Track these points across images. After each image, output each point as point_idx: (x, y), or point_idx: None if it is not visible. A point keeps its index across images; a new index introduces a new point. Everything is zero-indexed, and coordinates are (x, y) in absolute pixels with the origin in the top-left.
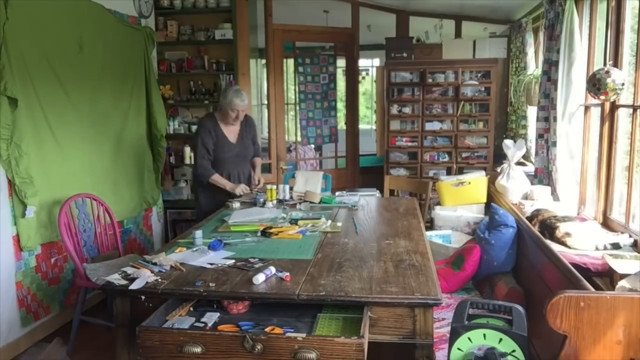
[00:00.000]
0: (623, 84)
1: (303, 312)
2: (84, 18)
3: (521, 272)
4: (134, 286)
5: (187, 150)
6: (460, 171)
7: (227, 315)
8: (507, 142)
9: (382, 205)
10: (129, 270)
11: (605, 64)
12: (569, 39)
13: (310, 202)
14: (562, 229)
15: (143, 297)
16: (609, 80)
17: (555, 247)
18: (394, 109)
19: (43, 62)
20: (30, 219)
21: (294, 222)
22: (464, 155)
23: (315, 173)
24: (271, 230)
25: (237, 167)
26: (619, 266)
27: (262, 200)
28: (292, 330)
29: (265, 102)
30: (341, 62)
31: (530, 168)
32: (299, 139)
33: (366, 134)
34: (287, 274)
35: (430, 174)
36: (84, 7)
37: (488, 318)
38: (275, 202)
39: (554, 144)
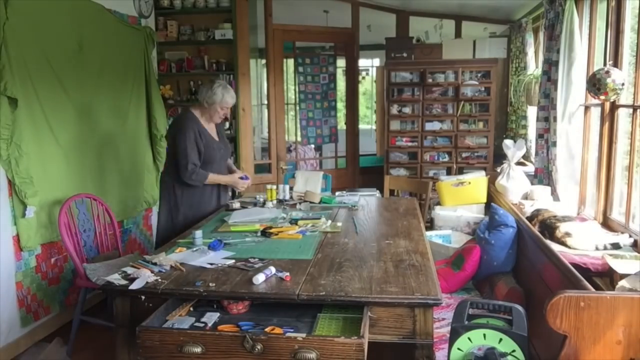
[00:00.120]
0: (623, 84)
1: (303, 312)
2: (84, 18)
3: (521, 272)
4: (134, 286)
5: None
6: (460, 171)
7: (227, 315)
8: (507, 142)
9: (382, 205)
10: (129, 270)
11: (605, 64)
12: (569, 39)
13: (310, 202)
14: (562, 229)
15: (143, 297)
16: (609, 80)
17: (555, 247)
18: (394, 109)
19: (43, 62)
20: (30, 219)
21: (294, 222)
22: (464, 155)
23: (315, 173)
24: (271, 230)
25: (221, 167)
26: (619, 266)
27: (262, 200)
28: (292, 330)
29: (265, 102)
30: (341, 62)
31: (530, 168)
32: (299, 139)
33: (366, 134)
34: (287, 274)
35: (430, 174)
36: (84, 7)
37: (488, 318)
38: (275, 202)
39: (554, 144)
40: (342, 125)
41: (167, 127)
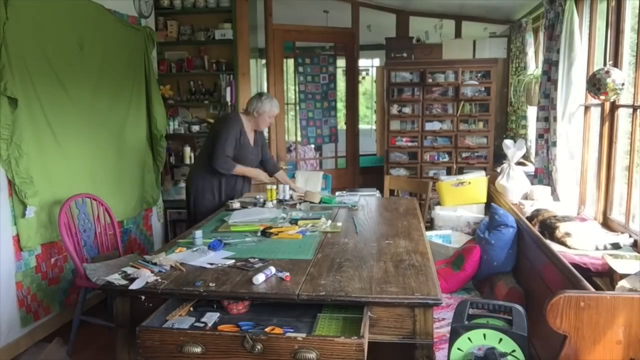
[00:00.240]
0: (623, 84)
1: (303, 312)
2: (84, 18)
3: (521, 272)
4: (134, 286)
5: (187, 150)
6: (460, 171)
7: (227, 315)
8: (507, 142)
9: (382, 205)
10: (129, 270)
11: (605, 64)
12: (569, 39)
13: (310, 202)
14: (562, 229)
15: (143, 297)
16: (609, 80)
17: (555, 247)
18: (394, 109)
19: (43, 62)
20: (30, 219)
21: (294, 222)
22: (464, 155)
23: (315, 173)
24: (271, 230)
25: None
26: (619, 266)
27: (262, 200)
28: (292, 330)
29: None
30: (341, 62)
31: (530, 168)
32: (299, 139)
33: (366, 134)
34: (287, 274)
35: (430, 174)
36: (84, 7)
37: (488, 318)
38: (275, 202)
39: (554, 144)
40: (342, 125)
41: (215, 121)
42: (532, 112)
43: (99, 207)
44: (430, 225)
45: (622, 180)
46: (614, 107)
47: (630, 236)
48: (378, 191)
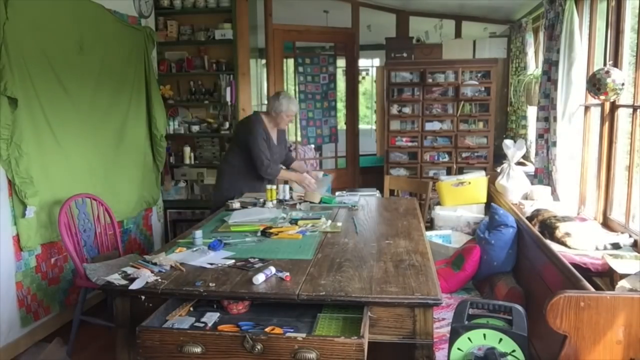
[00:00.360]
0: (623, 84)
1: (303, 312)
2: (84, 18)
3: (521, 272)
4: (134, 286)
5: (187, 150)
6: (460, 171)
7: (227, 315)
8: (507, 142)
9: (382, 205)
10: (129, 270)
11: (605, 64)
12: (569, 39)
13: (310, 202)
14: (562, 229)
15: (143, 297)
16: (609, 80)
17: (555, 247)
18: (394, 109)
19: (43, 62)
20: (30, 219)
21: (294, 222)
22: (464, 155)
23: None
24: (271, 230)
25: (276, 169)
26: (619, 266)
27: (262, 200)
28: (292, 330)
29: (265, 102)
30: (341, 62)
31: (530, 168)
32: (299, 139)
33: (366, 134)
34: (287, 274)
35: (430, 174)
36: (84, 7)
37: (488, 318)
38: (275, 202)
39: (554, 144)
40: (342, 125)
41: (238, 124)
42: (532, 112)
43: (99, 207)
44: (430, 225)
45: (622, 180)
46: (614, 107)
47: (630, 236)
48: (378, 191)
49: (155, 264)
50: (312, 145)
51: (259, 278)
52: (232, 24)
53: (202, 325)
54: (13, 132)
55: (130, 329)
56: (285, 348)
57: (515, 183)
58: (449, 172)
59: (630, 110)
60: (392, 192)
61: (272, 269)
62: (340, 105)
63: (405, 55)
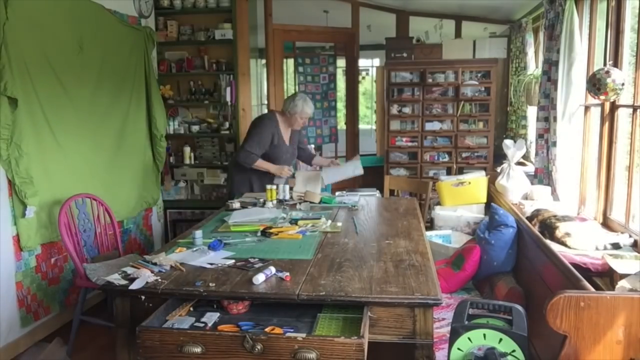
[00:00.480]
0: (623, 84)
1: (303, 312)
2: (84, 18)
3: (521, 272)
4: (134, 286)
5: (187, 150)
6: (460, 171)
7: (227, 315)
8: (507, 142)
9: (382, 205)
10: (129, 270)
11: (605, 64)
12: (569, 39)
13: (310, 202)
14: (562, 229)
15: (143, 297)
16: (609, 80)
17: (555, 247)
18: (394, 109)
19: (43, 62)
20: (30, 219)
21: (294, 222)
22: (464, 155)
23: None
24: (271, 230)
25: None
26: (619, 266)
27: (262, 200)
28: (292, 330)
29: (265, 102)
30: (341, 62)
31: (530, 168)
32: None
33: (366, 134)
34: (287, 274)
35: (430, 174)
36: (84, 7)
37: (488, 318)
38: (275, 202)
39: (554, 144)
40: (342, 125)
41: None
42: (532, 112)
43: (99, 207)
44: (430, 225)
45: (622, 180)
46: (614, 107)
47: (630, 236)
48: (378, 191)
49: (155, 264)
50: (312, 145)
51: (259, 278)
52: (232, 24)
53: (202, 325)
54: (13, 132)
55: (130, 329)
56: (285, 348)
57: (515, 183)
58: (449, 172)
59: (630, 110)
60: (392, 192)
61: (272, 269)
62: (340, 105)
63: (405, 55)
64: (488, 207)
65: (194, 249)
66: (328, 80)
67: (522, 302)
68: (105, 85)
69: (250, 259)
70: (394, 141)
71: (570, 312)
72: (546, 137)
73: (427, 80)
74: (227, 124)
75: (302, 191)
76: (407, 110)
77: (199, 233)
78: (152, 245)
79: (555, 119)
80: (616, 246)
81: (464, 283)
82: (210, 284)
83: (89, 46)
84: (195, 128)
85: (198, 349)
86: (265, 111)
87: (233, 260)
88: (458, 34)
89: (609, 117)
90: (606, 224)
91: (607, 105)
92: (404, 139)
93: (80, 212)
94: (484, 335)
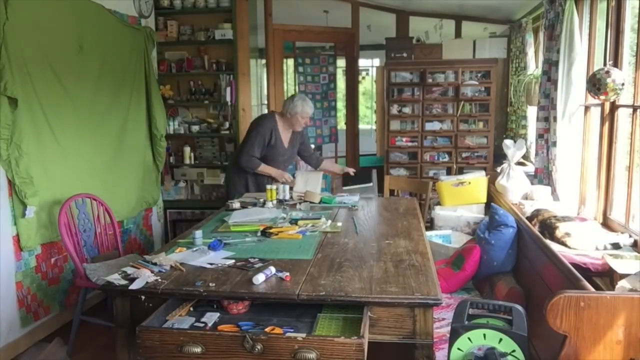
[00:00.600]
0: (623, 84)
1: (303, 312)
2: (84, 18)
3: (521, 272)
4: (134, 286)
5: (187, 150)
6: (460, 171)
7: (227, 315)
8: (507, 142)
9: (382, 205)
10: (129, 270)
11: (605, 64)
12: (569, 39)
13: (310, 202)
14: (562, 229)
15: (143, 297)
16: (609, 80)
17: (555, 247)
18: (394, 109)
19: (43, 62)
20: (30, 219)
21: (294, 222)
22: (464, 155)
23: (315, 173)
24: (271, 230)
25: (282, 168)
26: (619, 266)
27: (262, 200)
28: (292, 330)
29: (265, 102)
30: (341, 62)
31: (530, 168)
32: None
33: (366, 134)
34: (287, 274)
35: (430, 174)
36: (84, 7)
37: (488, 318)
38: (275, 202)
39: (554, 144)
40: (342, 125)
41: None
42: (532, 112)
43: (99, 207)
44: (430, 225)
45: (622, 180)
46: (614, 107)
47: (630, 236)
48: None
49: (155, 264)
50: (312, 145)
51: (259, 278)
52: (232, 24)
53: (202, 325)
54: (13, 132)
55: (130, 329)
56: (285, 348)
57: (515, 183)
58: (449, 172)
59: (630, 110)
60: (392, 192)
61: (272, 269)
62: (340, 105)
63: (405, 55)
64: (488, 207)
65: (194, 249)
66: (328, 80)
67: (522, 302)
68: (105, 85)
69: (250, 259)
70: (394, 141)
71: (570, 312)
72: (546, 137)
73: (427, 80)
74: (227, 124)
75: (302, 191)
76: (407, 110)
77: (199, 233)
78: (152, 245)
79: (555, 119)
80: (616, 246)
81: (464, 283)
82: (210, 284)
83: (89, 46)
84: (195, 128)
85: (198, 349)
86: (265, 111)
87: (233, 260)
88: (458, 34)
89: (609, 117)
90: (606, 224)
91: (607, 105)
92: (404, 139)
93: (80, 212)
94: (484, 335)
